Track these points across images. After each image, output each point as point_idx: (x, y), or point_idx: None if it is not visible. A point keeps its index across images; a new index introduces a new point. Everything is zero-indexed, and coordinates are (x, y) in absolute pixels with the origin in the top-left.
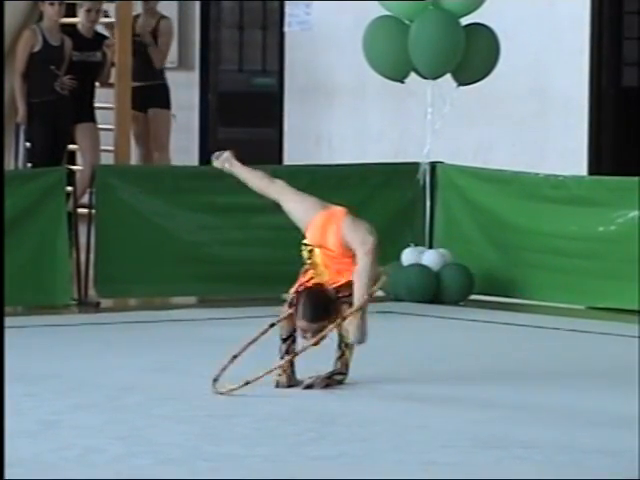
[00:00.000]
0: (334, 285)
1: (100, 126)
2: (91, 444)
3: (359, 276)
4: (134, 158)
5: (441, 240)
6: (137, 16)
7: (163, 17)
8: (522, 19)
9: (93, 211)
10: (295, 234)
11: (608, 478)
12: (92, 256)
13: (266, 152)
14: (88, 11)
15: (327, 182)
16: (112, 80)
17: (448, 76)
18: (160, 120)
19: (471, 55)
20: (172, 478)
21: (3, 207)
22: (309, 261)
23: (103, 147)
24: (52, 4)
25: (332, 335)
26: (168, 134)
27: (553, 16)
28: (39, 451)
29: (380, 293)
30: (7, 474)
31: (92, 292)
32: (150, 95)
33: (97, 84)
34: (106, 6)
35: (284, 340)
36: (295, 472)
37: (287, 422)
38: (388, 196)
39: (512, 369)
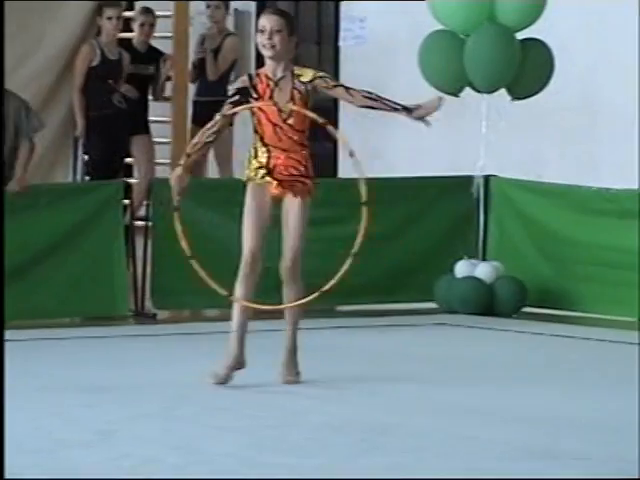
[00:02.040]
0: None
1: (157, 139)
2: (147, 454)
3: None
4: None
5: (494, 253)
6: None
7: (229, 34)
8: (574, 34)
9: (149, 224)
10: (350, 246)
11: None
12: (148, 268)
13: (322, 166)
14: (142, 25)
15: (382, 195)
16: (169, 94)
17: (503, 90)
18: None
19: (526, 70)
20: None
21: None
22: None
23: (159, 160)
24: (110, 19)
25: None
26: (230, 147)
27: (604, 31)
28: (95, 461)
29: (434, 305)
30: None
31: (148, 304)
32: (212, 110)
33: (150, 97)
34: (164, 22)
35: None
36: None
37: (339, 432)
38: (442, 209)
39: (563, 381)
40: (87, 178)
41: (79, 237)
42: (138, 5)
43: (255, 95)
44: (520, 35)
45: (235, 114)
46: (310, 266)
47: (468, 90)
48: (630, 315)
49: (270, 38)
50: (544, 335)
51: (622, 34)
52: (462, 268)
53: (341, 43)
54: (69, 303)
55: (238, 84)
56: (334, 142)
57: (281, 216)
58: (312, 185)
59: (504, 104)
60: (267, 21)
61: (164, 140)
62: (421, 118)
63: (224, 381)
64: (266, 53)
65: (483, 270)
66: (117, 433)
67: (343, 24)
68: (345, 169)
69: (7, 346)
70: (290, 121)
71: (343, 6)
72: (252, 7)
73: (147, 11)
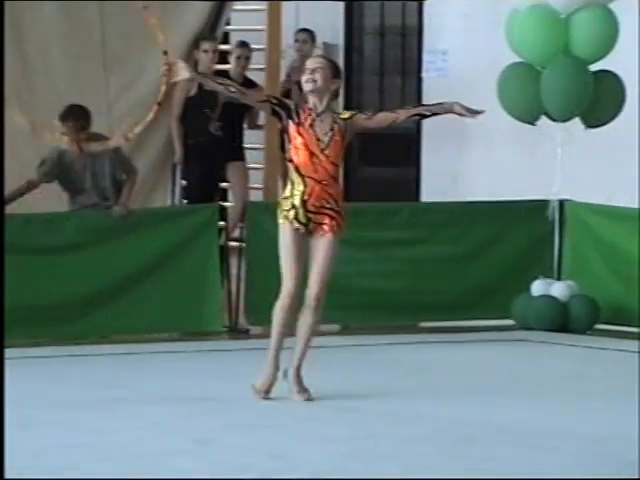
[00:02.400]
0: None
1: (250, 165)
2: (242, 462)
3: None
4: (280, 195)
5: (568, 272)
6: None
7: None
8: None
9: (243, 244)
10: (432, 266)
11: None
12: (242, 286)
13: (404, 190)
14: (238, 58)
15: (462, 218)
16: (261, 122)
17: (577, 119)
18: None
19: (599, 100)
20: None
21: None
22: None
23: (253, 185)
24: (206, 52)
25: None
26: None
27: None
28: (194, 468)
29: (511, 322)
30: None
31: (242, 320)
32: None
33: (245, 125)
34: (257, 55)
35: None
36: None
37: (426, 441)
38: (519, 231)
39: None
40: (185, 202)
41: (177, 257)
42: (234, 39)
43: (296, 120)
44: (593, 67)
45: (262, 102)
46: (396, 285)
47: (544, 119)
48: None
49: (312, 74)
50: (616, 351)
51: None
52: (538, 287)
53: (424, 75)
54: (168, 319)
55: (286, 101)
56: (417, 168)
57: (310, 248)
58: (342, 221)
59: (578, 132)
60: (311, 62)
61: (257, 166)
62: (463, 112)
63: (266, 395)
64: (307, 87)
65: (558, 289)
66: (214, 442)
67: (426, 57)
68: (426, 193)
69: (108, 359)
70: (327, 151)
71: (426, 40)
72: (340, 41)
73: (243, 45)
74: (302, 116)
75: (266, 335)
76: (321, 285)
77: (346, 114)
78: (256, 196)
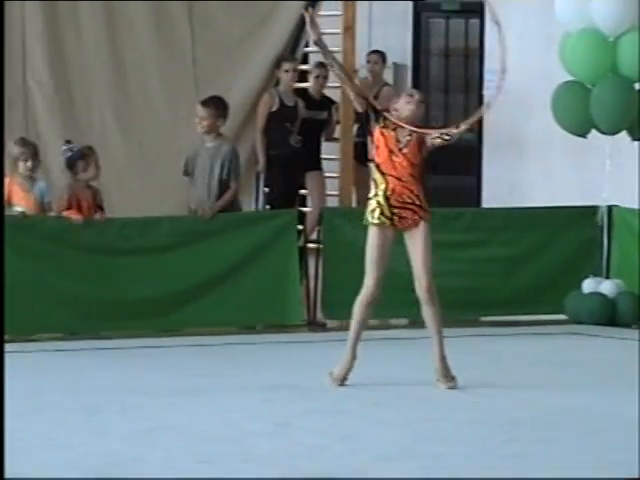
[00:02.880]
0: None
1: (327, 174)
2: (318, 443)
3: None
4: (355, 201)
5: (616, 271)
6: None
7: (386, 84)
8: None
9: (320, 246)
10: (492, 266)
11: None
12: (319, 284)
13: (466, 197)
14: (317, 77)
15: (519, 223)
16: (337, 135)
17: (624, 132)
18: None
19: None
20: (388, 476)
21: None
22: None
23: (329, 192)
24: (287, 71)
25: None
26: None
27: None
28: (275, 448)
29: (564, 317)
30: (245, 470)
31: (319, 314)
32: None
33: (323, 138)
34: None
35: None
36: (490, 469)
37: (483, 425)
38: (571, 234)
39: None
40: (267, 207)
41: (260, 257)
42: (313, 59)
43: (382, 123)
44: (639, 85)
45: (361, 97)
46: (459, 283)
47: (594, 132)
48: None
49: (418, 105)
50: None
51: None
52: (589, 285)
53: (485, 92)
54: (252, 313)
55: (376, 105)
56: (477, 176)
57: (406, 247)
58: (428, 217)
59: (625, 144)
60: (416, 92)
61: (333, 175)
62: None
63: (342, 382)
64: (412, 107)
65: (607, 287)
66: (293, 425)
67: (486, 75)
68: (486, 200)
69: (198, 350)
70: (405, 150)
71: (487, 60)
72: (409, 61)
73: (321, 65)
74: (389, 123)
75: (341, 328)
76: (428, 277)
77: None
78: (332, 202)
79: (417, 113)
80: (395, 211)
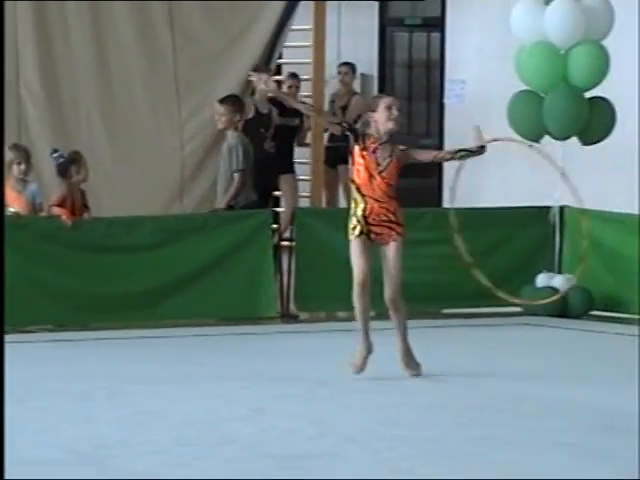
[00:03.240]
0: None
1: (299, 177)
2: (290, 427)
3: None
4: (324, 202)
5: (567, 267)
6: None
7: (355, 93)
8: (633, 92)
9: (293, 243)
10: (453, 262)
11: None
12: (292, 279)
13: (427, 198)
14: (289, 87)
15: (478, 222)
16: (308, 141)
17: (574, 137)
18: (347, 173)
19: (593, 121)
20: (355, 456)
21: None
22: None
23: (301, 193)
24: (262, 81)
25: None
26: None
27: None
28: (250, 432)
29: (519, 309)
30: (223, 451)
31: (292, 307)
32: (338, 154)
33: (295, 143)
34: (305, 84)
35: None
36: (452, 450)
37: (443, 409)
38: (526, 232)
39: (618, 370)
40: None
41: (237, 254)
42: (285, 70)
43: (362, 144)
44: (588, 94)
45: (336, 124)
46: (422, 278)
47: (547, 137)
48: None
49: (396, 114)
50: (607, 333)
51: None
52: (542, 279)
53: (445, 101)
54: (229, 306)
55: (355, 127)
56: (439, 179)
57: (381, 257)
58: (402, 231)
59: (575, 149)
60: (393, 101)
61: (305, 177)
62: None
63: (361, 369)
64: (390, 125)
65: (558, 281)
66: (267, 410)
67: (447, 85)
68: (447, 200)
69: (178, 340)
70: (384, 173)
71: (447, 71)
72: (375, 72)
73: (294, 76)
74: (367, 142)
75: (313, 320)
76: (393, 288)
77: (402, 147)
78: (304, 203)
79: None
80: (372, 228)
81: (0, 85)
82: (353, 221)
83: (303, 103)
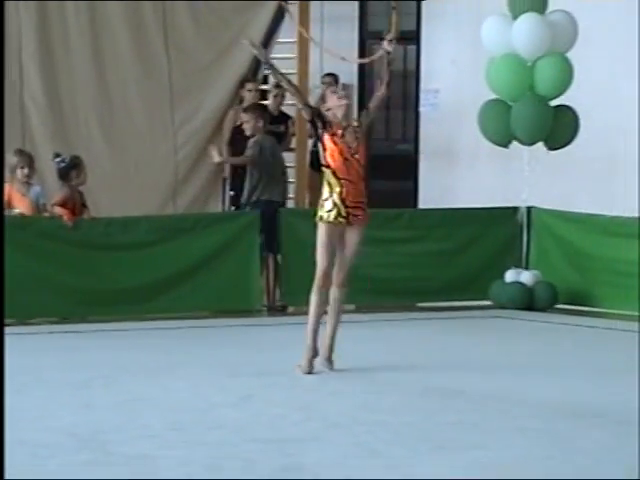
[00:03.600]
0: None
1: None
2: (277, 412)
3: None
4: (308, 203)
5: (534, 264)
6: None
7: None
8: (595, 101)
9: (279, 241)
10: (427, 259)
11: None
12: (278, 273)
13: (404, 199)
14: (275, 96)
15: (451, 221)
16: (293, 146)
17: (541, 143)
18: None
19: (558, 128)
20: (338, 440)
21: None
22: None
23: (291, 196)
24: (250, 91)
25: None
26: None
27: (617, 99)
28: (238, 417)
29: (489, 303)
30: (213, 435)
31: (278, 300)
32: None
33: (281, 148)
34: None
35: None
36: (429, 433)
37: (420, 397)
38: (495, 231)
39: (581, 361)
40: (232, 208)
41: (227, 251)
42: (272, 80)
43: (330, 131)
44: (553, 102)
45: (307, 106)
46: (398, 274)
47: (515, 143)
48: (635, 310)
49: (346, 95)
50: (570, 325)
51: (631, 102)
52: (510, 275)
53: (421, 109)
54: (219, 300)
55: (324, 113)
56: (415, 181)
57: (340, 237)
58: (368, 214)
59: (542, 153)
60: (340, 88)
61: (290, 180)
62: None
63: (309, 371)
64: (342, 102)
65: (526, 277)
66: (255, 397)
67: (422, 94)
68: (422, 202)
69: (171, 332)
70: (356, 155)
71: (423, 81)
72: (355, 82)
73: (279, 85)
74: (334, 129)
75: (298, 313)
76: (346, 270)
77: (356, 122)
78: (289, 204)
79: (350, 102)
80: (350, 210)
81: (0, 89)
82: (327, 205)
83: (288, 80)
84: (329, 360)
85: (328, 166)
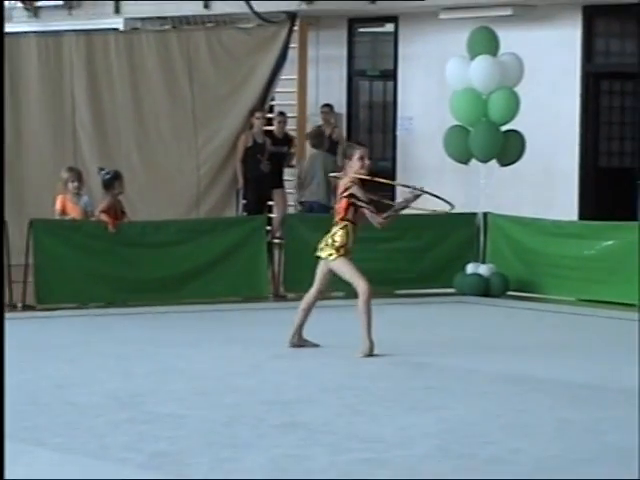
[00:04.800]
0: None
1: (287, 191)
2: (280, 379)
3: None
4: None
5: (489, 258)
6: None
7: (335, 126)
8: (537, 125)
9: (283, 241)
10: (402, 255)
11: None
12: (282, 267)
13: (384, 206)
14: (279, 122)
15: (422, 223)
16: (294, 163)
17: (494, 160)
18: None
19: (508, 148)
20: (329, 401)
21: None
22: None
23: (289, 203)
24: (258, 118)
25: None
26: None
27: (556, 125)
28: (249, 384)
29: (453, 290)
30: (229, 398)
31: (282, 289)
32: None
33: (284, 165)
34: (291, 120)
35: None
36: (401, 397)
37: (395, 366)
38: (458, 233)
39: (528, 338)
40: (245, 214)
41: (240, 249)
42: (277, 109)
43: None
44: (504, 127)
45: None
46: (377, 267)
47: (473, 160)
48: (572, 296)
49: (364, 162)
50: (519, 308)
51: (569, 127)
52: (470, 268)
53: (397, 133)
54: (234, 288)
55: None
56: (392, 192)
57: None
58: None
59: (495, 169)
60: (366, 152)
61: (292, 191)
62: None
63: (299, 344)
64: (364, 173)
65: (483, 269)
66: (262, 367)
67: (399, 121)
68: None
69: (196, 315)
70: (363, 207)
71: (399, 109)
72: (344, 111)
73: (282, 114)
74: (356, 191)
75: (297, 299)
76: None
77: (347, 192)
78: (291, 210)
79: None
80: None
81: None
82: (339, 242)
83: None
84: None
85: (352, 221)
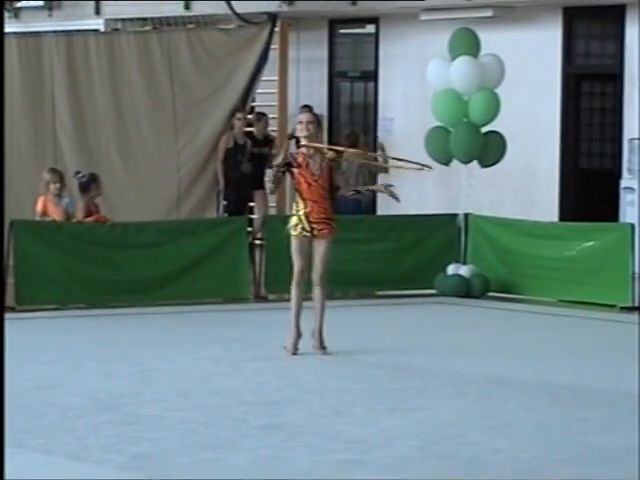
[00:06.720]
0: None
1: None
2: (261, 380)
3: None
4: (288, 211)
5: (470, 259)
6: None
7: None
8: (518, 128)
9: (264, 242)
10: (384, 256)
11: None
12: (263, 269)
13: (365, 207)
14: (258, 122)
15: (403, 225)
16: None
17: (475, 161)
18: None
19: (489, 149)
20: (310, 404)
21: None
22: None
23: (270, 204)
24: (239, 119)
25: None
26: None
27: (536, 126)
28: (231, 385)
29: (434, 291)
30: (210, 400)
31: (263, 290)
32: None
33: (265, 166)
34: (272, 121)
35: None
36: (381, 399)
37: (375, 368)
38: (440, 233)
39: (508, 339)
40: (226, 215)
41: (221, 250)
42: (257, 110)
43: (296, 164)
44: (485, 129)
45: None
46: (360, 267)
47: (454, 161)
48: (552, 297)
49: (306, 125)
50: (500, 309)
51: (549, 128)
52: (451, 269)
53: (379, 134)
54: (214, 290)
55: (289, 159)
56: (374, 193)
57: (313, 247)
58: (335, 227)
59: (476, 170)
60: (304, 116)
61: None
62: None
63: (294, 352)
64: (301, 134)
65: (464, 270)
66: (244, 368)
67: (380, 122)
68: (380, 209)
69: (178, 316)
70: (319, 181)
71: (380, 111)
72: (325, 112)
73: (263, 115)
74: (299, 160)
75: (278, 300)
76: (324, 268)
77: (330, 155)
78: (272, 211)
79: (312, 132)
80: (314, 225)
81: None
82: (294, 220)
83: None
84: (322, 347)
85: (297, 189)
